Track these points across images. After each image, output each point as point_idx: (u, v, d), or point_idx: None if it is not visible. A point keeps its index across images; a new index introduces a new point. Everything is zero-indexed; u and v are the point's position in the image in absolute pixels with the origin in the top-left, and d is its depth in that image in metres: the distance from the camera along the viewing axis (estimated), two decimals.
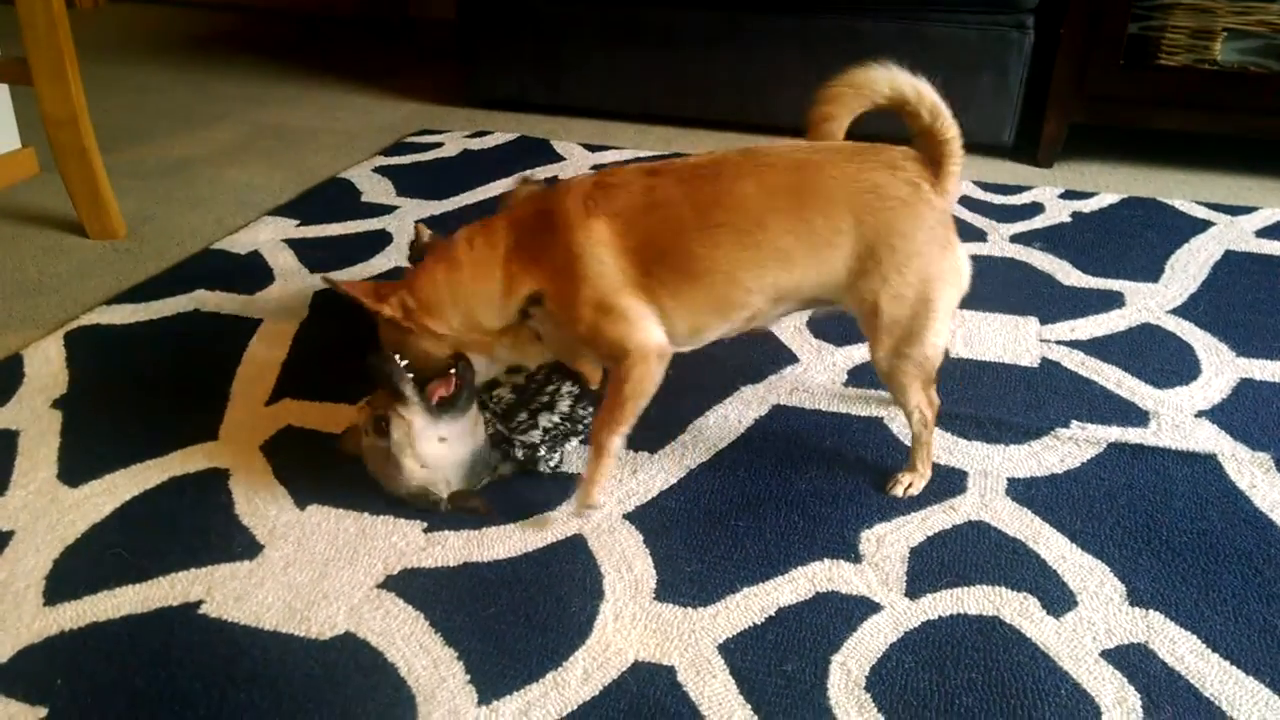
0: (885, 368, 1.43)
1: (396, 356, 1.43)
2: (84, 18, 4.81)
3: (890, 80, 1.35)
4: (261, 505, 1.48)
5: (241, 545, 1.40)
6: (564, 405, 1.54)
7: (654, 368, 1.41)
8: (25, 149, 2.74)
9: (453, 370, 1.45)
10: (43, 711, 1.15)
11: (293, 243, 2.33)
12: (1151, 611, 1.30)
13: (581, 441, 1.58)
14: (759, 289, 1.39)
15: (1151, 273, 2.21)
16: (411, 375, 1.43)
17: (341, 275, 2.15)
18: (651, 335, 1.40)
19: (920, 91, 1.34)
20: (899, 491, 1.49)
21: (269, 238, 2.36)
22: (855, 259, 1.36)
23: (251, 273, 2.18)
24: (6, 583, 1.33)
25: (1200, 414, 1.70)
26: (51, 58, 2.19)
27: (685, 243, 1.37)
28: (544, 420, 1.52)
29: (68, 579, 1.34)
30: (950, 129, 1.36)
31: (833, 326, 1.96)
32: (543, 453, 1.51)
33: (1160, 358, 1.87)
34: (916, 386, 1.44)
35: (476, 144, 3.02)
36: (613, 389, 1.42)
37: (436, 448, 1.42)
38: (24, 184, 2.70)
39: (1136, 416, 1.69)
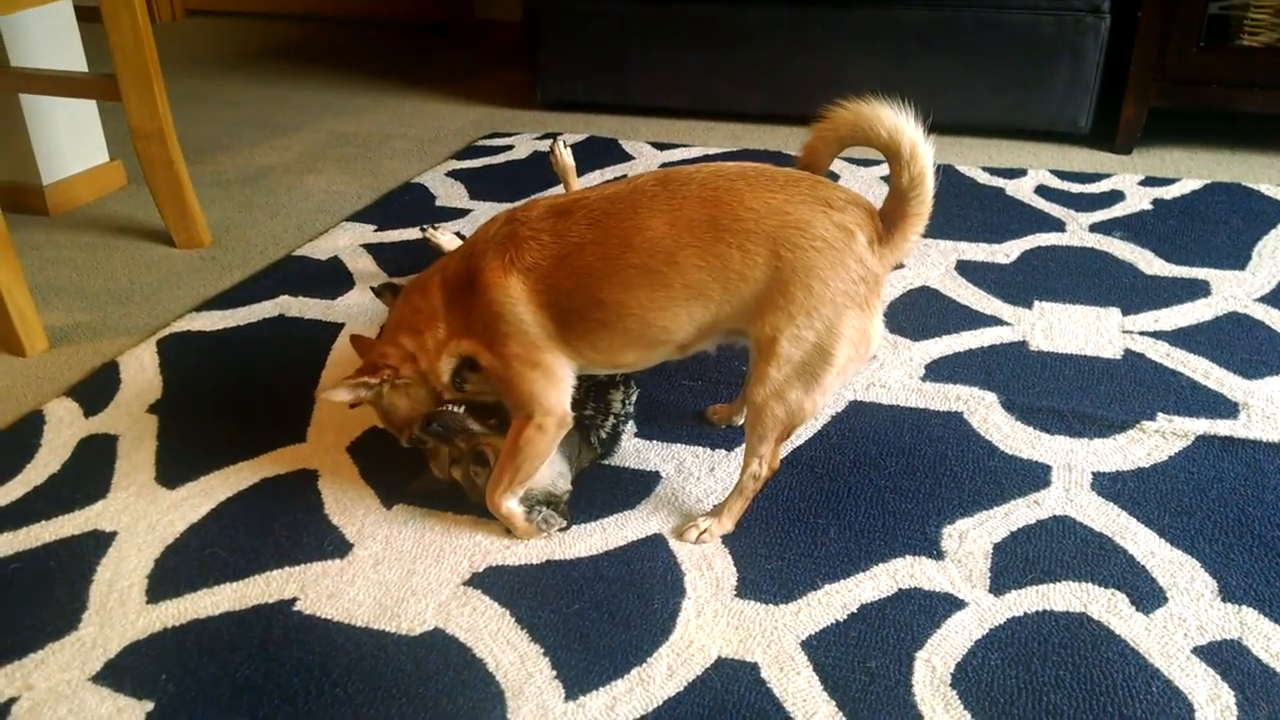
0: (758, 405, 1.35)
1: (447, 408, 1.45)
2: (163, 32, 4.95)
3: (893, 128, 1.25)
4: (350, 505, 1.52)
5: (332, 544, 1.44)
6: (617, 396, 1.57)
7: (552, 436, 1.40)
8: (113, 162, 2.84)
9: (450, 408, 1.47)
10: (149, 705, 1.20)
11: (371, 247, 2.38)
12: (1244, 607, 1.27)
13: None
14: (675, 327, 1.34)
15: (1238, 260, 2.15)
16: (462, 409, 1.46)
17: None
18: (562, 400, 1.40)
19: (915, 151, 1.25)
20: (691, 537, 1.41)
21: (348, 243, 2.41)
22: (766, 293, 1.29)
23: (332, 278, 2.24)
24: (112, 581, 1.39)
25: None
26: (138, 74, 2.27)
27: (596, 291, 1.33)
28: (614, 408, 1.56)
29: (169, 577, 1.39)
30: (923, 202, 1.28)
31: (909, 322, 1.94)
32: (619, 444, 1.59)
33: (1248, 347, 1.82)
34: (773, 438, 1.36)
35: (546, 145, 3.05)
36: (508, 448, 1.40)
37: None
38: (113, 196, 2.80)
39: (1225, 408, 1.65)
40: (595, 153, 2.95)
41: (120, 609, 1.34)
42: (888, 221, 1.30)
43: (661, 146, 2.99)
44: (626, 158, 2.91)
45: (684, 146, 2.99)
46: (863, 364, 1.37)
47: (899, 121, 1.25)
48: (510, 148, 3.05)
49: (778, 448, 1.39)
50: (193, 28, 5.08)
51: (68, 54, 2.67)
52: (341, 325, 2.02)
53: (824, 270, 1.27)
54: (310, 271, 2.28)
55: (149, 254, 2.42)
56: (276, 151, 3.15)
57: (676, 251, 1.30)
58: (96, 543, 1.46)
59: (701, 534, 1.42)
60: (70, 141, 2.72)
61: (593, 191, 1.39)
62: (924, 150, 1.25)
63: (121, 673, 1.24)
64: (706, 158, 2.89)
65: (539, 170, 2.81)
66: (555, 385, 1.40)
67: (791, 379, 1.32)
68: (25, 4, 2.17)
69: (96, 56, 2.63)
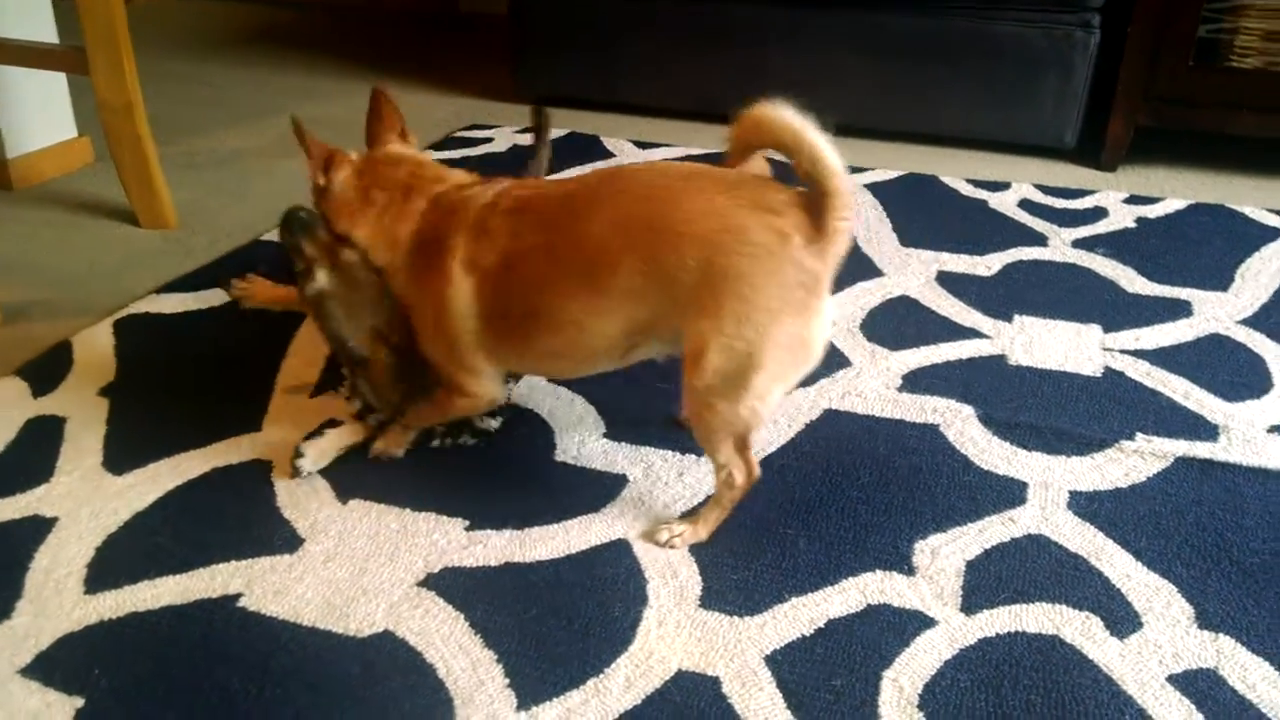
0: (692, 414, 1.33)
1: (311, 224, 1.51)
2: (141, 12, 4.86)
3: (771, 122, 1.26)
4: (303, 498, 1.46)
5: (282, 538, 1.39)
6: None
7: (476, 409, 1.51)
8: (81, 138, 2.76)
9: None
10: (80, 701, 1.14)
11: None
12: (1221, 635, 1.24)
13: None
14: (616, 334, 1.32)
15: (1220, 281, 2.13)
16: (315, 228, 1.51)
17: None
18: (488, 390, 1.46)
19: (799, 136, 1.23)
20: (662, 538, 1.37)
21: None
22: (697, 299, 1.25)
23: None
24: (49, 570, 1.33)
25: (1273, 429, 1.62)
26: (107, 44, 2.20)
27: (537, 302, 1.34)
28: None
29: (109, 568, 1.33)
30: (831, 179, 1.22)
31: (887, 330, 1.91)
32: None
33: (1230, 369, 1.80)
34: (728, 444, 1.33)
35: (526, 139, 2.99)
36: (439, 399, 1.48)
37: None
38: (80, 172, 2.73)
39: (1205, 430, 1.62)
40: (576, 150, 2.89)
41: (56, 599, 1.28)
42: (813, 213, 1.25)
43: (644, 145, 2.95)
44: (607, 155, 2.86)
45: (667, 146, 2.95)
46: (805, 368, 1.31)
47: (788, 118, 1.26)
48: (489, 140, 2.99)
49: (744, 455, 1.35)
50: (173, 9, 4.99)
51: (38, 26, 2.60)
52: (304, 315, 1.96)
53: (757, 277, 1.23)
54: (278, 258, 2.22)
55: (112, 233, 2.36)
56: (251, 135, 3.08)
57: (619, 255, 1.28)
58: (36, 528, 1.40)
59: (673, 538, 1.37)
60: (37, 115, 2.65)
61: (552, 186, 1.39)
62: (812, 136, 1.23)
63: (53, 666, 1.19)
64: (689, 158, 2.85)
65: (518, 164, 2.76)
66: (479, 379, 1.45)
67: (718, 388, 1.27)
68: None
69: (69, 32, 2.56)
